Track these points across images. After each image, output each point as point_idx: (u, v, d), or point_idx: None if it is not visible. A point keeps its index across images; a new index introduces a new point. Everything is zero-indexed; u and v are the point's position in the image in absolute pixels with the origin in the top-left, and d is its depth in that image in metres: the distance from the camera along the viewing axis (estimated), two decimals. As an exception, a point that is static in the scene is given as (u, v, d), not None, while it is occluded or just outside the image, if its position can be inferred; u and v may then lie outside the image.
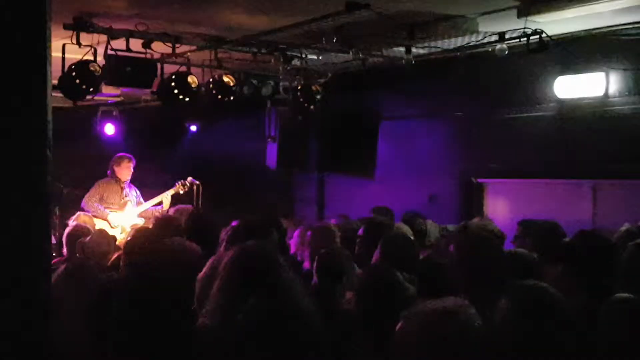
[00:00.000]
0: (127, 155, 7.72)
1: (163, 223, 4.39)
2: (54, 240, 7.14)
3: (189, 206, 6.23)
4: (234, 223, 4.01)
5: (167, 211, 6.90)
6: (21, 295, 1.38)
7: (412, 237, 4.32)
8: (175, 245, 3.41)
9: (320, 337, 2.10)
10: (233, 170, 9.68)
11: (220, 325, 2.32)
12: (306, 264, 4.48)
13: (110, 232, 7.24)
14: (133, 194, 7.75)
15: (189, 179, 7.88)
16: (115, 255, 4.41)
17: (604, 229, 4.64)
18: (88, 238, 4.73)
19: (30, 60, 1.28)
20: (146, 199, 7.82)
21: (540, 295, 2.33)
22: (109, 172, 7.69)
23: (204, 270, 2.80)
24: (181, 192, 7.70)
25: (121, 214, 7.51)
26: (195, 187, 7.84)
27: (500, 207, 7.75)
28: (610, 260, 3.11)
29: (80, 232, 5.23)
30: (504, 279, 3.01)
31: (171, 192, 7.69)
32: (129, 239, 4.16)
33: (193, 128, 10.58)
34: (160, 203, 7.62)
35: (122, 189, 7.64)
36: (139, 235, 4.09)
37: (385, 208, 6.66)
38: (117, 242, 6.85)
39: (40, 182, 1.31)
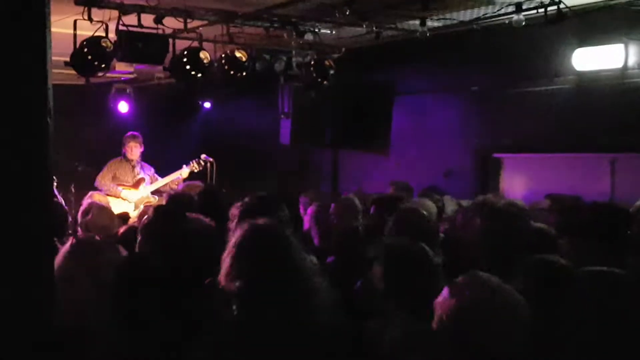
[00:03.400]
0: (132, 134, 7.80)
1: (175, 200, 4.39)
2: (70, 218, 7.20)
3: (198, 182, 6.24)
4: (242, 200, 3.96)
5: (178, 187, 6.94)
6: (25, 270, 1.36)
7: (426, 213, 4.23)
8: (195, 223, 3.42)
9: (334, 316, 2.08)
10: (246, 147, 9.66)
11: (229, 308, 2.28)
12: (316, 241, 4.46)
13: (124, 208, 7.31)
14: (147, 172, 7.80)
15: (203, 156, 7.90)
16: (123, 229, 4.39)
17: (623, 202, 4.57)
18: (89, 216, 4.74)
19: (28, 27, 1.25)
20: (161, 176, 7.85)
21: (553, 269, 2.29)
22: (121, 151, 7.79)
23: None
24: (196, 170, 7.76)
25: (135, 192, 7.57)
26: (209, 164, 7.86)
27: (517, 182, 7.65)
28: (628, 231, 3.06)
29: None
30: (525, 255, 2.96)
31: (186, 170, 7.74)
32: (146, 219, 4.16)
33: (207, 105, 10.56)
34: (176, 181, 7.66)
35: (134, 167, 7.72)
36: (156, 215, 4.10)
37: (405, 183, 6.61)
38: (130, 218, 6.89)
39: (42, 153, 1.28)
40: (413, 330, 2.33)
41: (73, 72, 6.14)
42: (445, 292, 2.02)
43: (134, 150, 7.67)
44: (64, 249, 2.70)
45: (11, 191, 1.27)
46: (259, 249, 2.38)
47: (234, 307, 2.15)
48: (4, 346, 1.29)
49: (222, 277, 2.37)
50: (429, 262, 2.63)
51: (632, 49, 6.56)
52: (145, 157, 7.87)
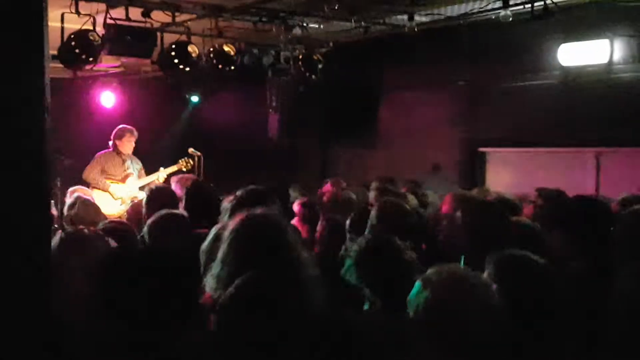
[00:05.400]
0: (129, 128, 7.54)
1: (156, 194, 4.41)
2: (55, 212, 7.16)
3: (190, 175, 6.20)
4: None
5: (167, 182, 6.87)
6: (24, 263, 1.37)
7: (408, 207, 4.24)
8: (166, 215, 3.46)
9: (323, 309, 2.10)
10: (235, 141, 9.65)
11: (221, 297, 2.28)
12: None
13: (111, 203, 7.24)
14: (135, 166, 7.67)
15: (190, 149, 7.80)
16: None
17: (607, 197, 4.63)
18: (74, 210, 4.73)
19: (27, 23, 1.26)
20: (147, 170, 7.74)
21: (522, 264, 2.32)
22: (110, 144, 7.60)
23: (207, 240, 2.79)
24: (184, 169, 7.55)
25: (122, 186, 7.45)
26: (196, 158, 7.76)
27: (503, 176, 7.72)
28: (609, 225, 3.10)
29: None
30: (504, 247, 3.00)
31: (174, 168, 7.54)
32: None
33: (194, 99, 10.48)
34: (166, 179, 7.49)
35: (124, 161, 7.51)
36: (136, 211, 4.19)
37: (390, 178, 6.64)
38: (116, 214, 6.86)
39: (39, 146, 1.30)
40: (389, 322, 2.38)
41: (59, 65, 6.10)
42: (417, 284, 2.07)
43: (129, 145, 7.47)
44: (53, 242, 2.70)
45: (10, 186, 1.28)
46: (254, 237, 2.40)
47: (227, 296, 2.16)
48: (3, 341, 1.30)
49: (216, 264, 2.39)
50: (402, 257, 2.67)
51: (617, 44, 6.63)
52: (133, 151, 7.74)
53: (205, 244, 2.72)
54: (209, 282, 2.43)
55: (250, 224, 2.44)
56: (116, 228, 3.58)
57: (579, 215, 3.24)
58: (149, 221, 3.46)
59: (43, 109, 1.28)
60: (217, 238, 2.60)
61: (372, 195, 5.37)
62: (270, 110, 9.32)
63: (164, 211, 3.53)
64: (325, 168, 9.59)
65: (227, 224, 2.59)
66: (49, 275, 1.47)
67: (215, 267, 2.43)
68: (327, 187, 5.94)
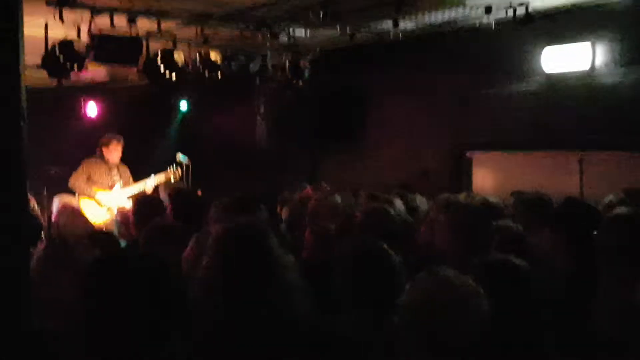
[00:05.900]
0: (116, 136, 7.50)
1: (142, 203, 4.42)
2: (42, 221, 7.10)
3: (178, 184, 6.19)
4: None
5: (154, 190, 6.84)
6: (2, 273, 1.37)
7: (393, 212, 4.25)
8: (160, 224, 3.46)
9: (309, 315, 2.12)
10: (224, 148, 9.65)
11: (207, 304, 2.29)
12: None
13: (97, 211, 7.21)
14: (123, 174, 7.62)
15: (178, 156, 7.77)
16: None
17: (591, 198, 4.66)
18: (61, 219, 4.71)
19: (2, 31, 1.26)
20: (136, 177, 7.70)
21: (506, 268, 2.35)
22: (97, 151, 7.55)
23: (189, 247, 2.79)
24: (172, 179, 7.50)
25: (109, 194, 7.40)
26: (184, 165, 7.73)
27: (489, 181, 7.78)
28: (594, 231, 3.13)
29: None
30: (487, 251, 3.02)
31: (161, 176, 7.50)
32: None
33: (183, 106, 10.46)
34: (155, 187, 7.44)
35: (110, 169, 7.46)
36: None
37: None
38: (102, 222, 6.84)
39: (17, 157, 1.30)
40: (378, 326, 2.39)
41: (44, 74, 6.08)
42: (407, 287, 2.09)
43: (115, 153, 7.40)
44: (39, 251, 2.70)
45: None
46: (238, 246, 2.41)
47: (212, 304, 2.17)
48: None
49: (200, 273, 2.40)
50: (391, 263, 2.68)
51: (600, 49, 6.69)
52: (121, 158, 7.69)
53: (186, 252, 2.72)
54: (193, 290, 2.44)
55: (233, 232, 2.45)
56: (100, 237, 3.58)
57: (569, 216, 3.28)
58: (145, 229, 3.45)
59: (19, 115, 1.29)
60: (198, 245, 2.60)
61: (361, 201, 5.38)
62: (259, 116, 9.34)
63: (158, 220, 3.53)
64: (313, 174, 9.60)
65: (210, 231, 2.60)
66: (29, 281, 1.47)
67: (199, 275, 2.44)
68: (307, 192, 5.95)
